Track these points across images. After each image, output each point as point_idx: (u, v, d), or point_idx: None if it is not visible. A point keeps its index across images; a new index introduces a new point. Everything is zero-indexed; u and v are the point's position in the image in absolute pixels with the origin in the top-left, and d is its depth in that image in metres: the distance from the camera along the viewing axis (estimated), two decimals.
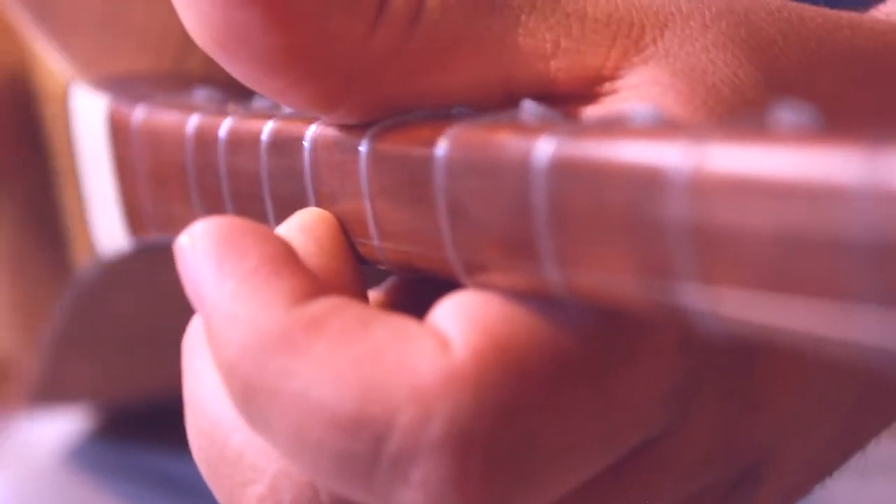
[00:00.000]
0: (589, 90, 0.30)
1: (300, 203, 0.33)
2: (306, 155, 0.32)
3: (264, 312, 0.28)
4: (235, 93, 0.42)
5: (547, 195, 0.24)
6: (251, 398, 0.28)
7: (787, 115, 0.21)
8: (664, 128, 0.23)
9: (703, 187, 0.21)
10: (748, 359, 0.29)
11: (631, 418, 0.28)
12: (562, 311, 0.26)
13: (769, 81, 0.30)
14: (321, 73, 0.29)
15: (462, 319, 0.27)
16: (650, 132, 0.23)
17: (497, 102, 0.30)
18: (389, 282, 0.32)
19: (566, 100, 0.30)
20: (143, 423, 0.62)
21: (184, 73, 0.49)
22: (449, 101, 0.30)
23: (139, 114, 0.43)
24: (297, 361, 0.27)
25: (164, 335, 0.56)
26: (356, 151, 0.30)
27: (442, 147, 0.27)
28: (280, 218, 0.34)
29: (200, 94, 0.43)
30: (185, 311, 0.55)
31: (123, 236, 0.46)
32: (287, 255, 0.30)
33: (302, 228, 0.32)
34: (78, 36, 0.49)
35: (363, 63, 0.29)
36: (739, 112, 0.29)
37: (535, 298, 0.27)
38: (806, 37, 0.31)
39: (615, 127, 0.24)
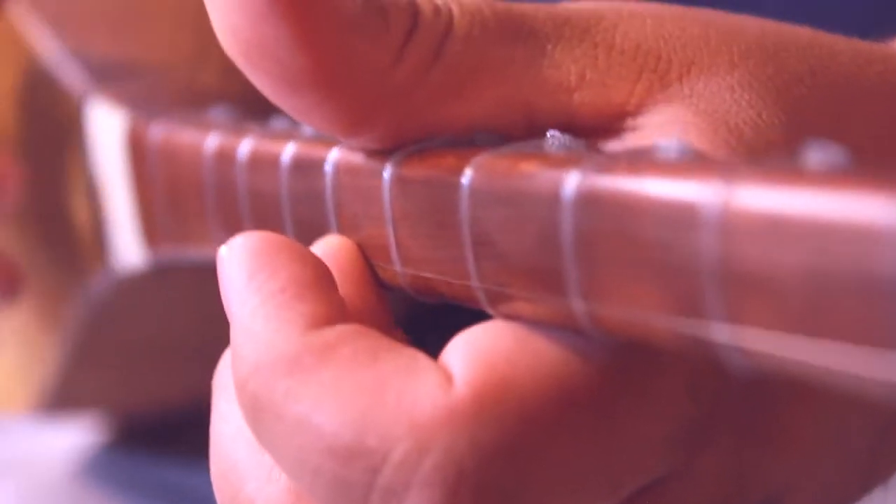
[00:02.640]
0: (611, 124, 0.30)
1: (321, 226, 0.33)
2: (328, 179, 0.32)
3: (280, 333, 0.28)
4: (252, 110, 0.42)
5: (574, 228, 0.24)
6: (259, 415, 0.28)
7: (817, 154, 0.21)
8: (694, 164, 0.23)
9: (735, 226, 0.21)
10: (762, 402, 0.29)
11: (635, 461, 0.27)
12: (572, 349, 0.26)
13: (794, 122, 0.29)
14: (343, 96, 0.29)
15: (467, 355, 0.27)
16: (680, 168, 0.23)
17: (519, 130, 0.30)
18: None
19: (587, 132, 0.30)
20: (155, 435, 0.62)
21: (199, 86, 0.49)
22: (471, 128, 0.30)
23: (157, 131, 0.43)
24: (303, 385, 0.28)
25: (176, 348, 0.56)
26: (380, 176, 0.30)
27: (467, 175, 0.27)
28: (300, 240, 0.34)
29: (217, 112, 0.43)
30: (196, 325, 0.55)
31: (140, 252, 0.46)
32: (317, 278, 0.30)
33: (325, 256, 0.32)
34: (92, 48, 0.49)
35: (387, 90, 0.29)
36: (760, 153, 0.28)
37: (549, 334, 0.27)
38: (835, 72, 0.31)
39: (643, 161, 0.24)
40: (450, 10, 0.30)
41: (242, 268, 0.30)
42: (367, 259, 0.32)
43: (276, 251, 0.30)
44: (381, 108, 0.29)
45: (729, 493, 0.29)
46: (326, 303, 0.29)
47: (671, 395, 0.27)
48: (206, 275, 0.51)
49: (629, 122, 0.30)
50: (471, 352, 0.27)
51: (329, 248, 0.32)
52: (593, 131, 0.30)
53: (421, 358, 0.28)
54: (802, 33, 0.32)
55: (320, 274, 0.30)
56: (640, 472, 0.28)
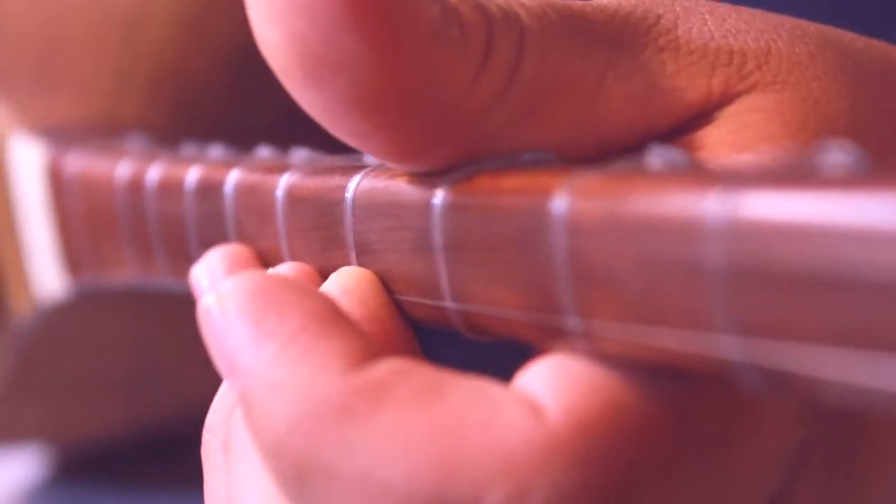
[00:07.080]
0: (691, 123, 0.27)
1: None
2: (228, 200, 0.34)
3: (317, 378, 0.24)
4: (166, 139, 0.44)
5: (443, 233, 0.26)
6: (305, 480, 0.24)
7: (659, 156, 0.23)
8: (544, 168, 0.24)
9: (579, 225, 0.22)
10: (854, 434, 0.28)
11: (748, 486, 0.25)
12: (663, 377, 0.24)
13: (878, 118, 0.27)
14: (416, 119, 0.25)
15: (554, 380, 0.23)
16: (531, 172, 0.24)
17: (588, 153, 0.27)
18: None
19: (669, 135, 0.27)
20: (95, 465, 0.62)
21: (118, 118, 0.50)
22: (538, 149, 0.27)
23: (73, 162, 0.44)
24: (360, 434, 0.23)
25: (107, 378, 0.57)
26: (273, 195, 0.32)
27: (350, 190, 0.29)
28: None
29: (131, 141, 0.44)
30: (125, 354, 0.55)
31: (62, 282, 0.47)
32: (333, 310, 0.26)
33: (343, 290, 0.29)
34: (14, 83, 0.50)
35: (463, 112, 0.25)
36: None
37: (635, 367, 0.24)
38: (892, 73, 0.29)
39: (502, 168, 0.25)
40: (517, 14, 0.26)
41: (243, 315, 0.26)
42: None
43: (276, 289, 0.26)
44: (455, 132, 0.26)
45: None
46: (355, 336, 0.25)
47: (781, 417, 0.25)
48: (130, 302, 0.52)
49: (707, 117, 0.27)
50: (557, 376, 0.23)
51: (347, 280, 0.29)
52: (675, 133, 0.27)
53: (492, 387, 0.24)
54: (849, 34, 0.29)
55: (333, 306, 0.26)
56: (753, 498, 0.25)
